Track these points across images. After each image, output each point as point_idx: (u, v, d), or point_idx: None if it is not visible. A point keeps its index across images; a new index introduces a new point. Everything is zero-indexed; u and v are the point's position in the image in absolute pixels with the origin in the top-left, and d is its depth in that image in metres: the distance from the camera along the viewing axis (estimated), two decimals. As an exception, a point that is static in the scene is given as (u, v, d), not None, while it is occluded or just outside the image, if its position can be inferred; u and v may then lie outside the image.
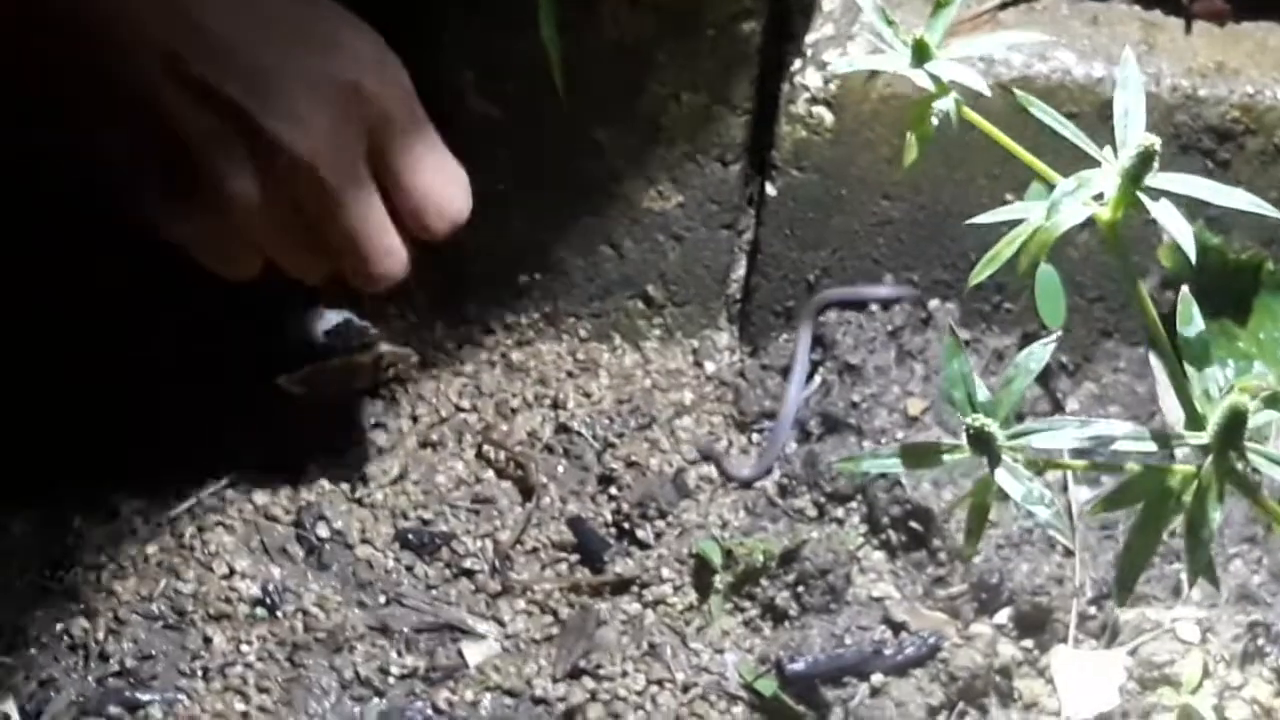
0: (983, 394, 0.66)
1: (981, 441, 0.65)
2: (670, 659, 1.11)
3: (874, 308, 1.22)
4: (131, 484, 1.15)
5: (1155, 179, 0.69)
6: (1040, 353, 0.67)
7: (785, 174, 1.20)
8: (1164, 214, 0.67)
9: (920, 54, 0.70)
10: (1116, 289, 1.22)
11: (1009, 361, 1.15)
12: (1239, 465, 0.67)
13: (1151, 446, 0.66)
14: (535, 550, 1.17)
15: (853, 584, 1.13)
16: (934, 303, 1.22)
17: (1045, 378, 1.21)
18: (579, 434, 1.21)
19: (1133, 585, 0.68)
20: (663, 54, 1.18)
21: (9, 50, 1.00)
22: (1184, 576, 1.07)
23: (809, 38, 1.19)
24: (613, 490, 1.18)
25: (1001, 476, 0.65)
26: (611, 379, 1.25)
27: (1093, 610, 1.10)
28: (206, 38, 1.00)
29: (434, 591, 1.14)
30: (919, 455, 0.68)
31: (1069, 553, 1.11)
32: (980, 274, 0.70)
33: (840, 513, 1.16)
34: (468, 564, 1.15)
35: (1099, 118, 1.14)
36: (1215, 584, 0.66)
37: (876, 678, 1.08)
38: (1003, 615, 1.10)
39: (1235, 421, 0.65)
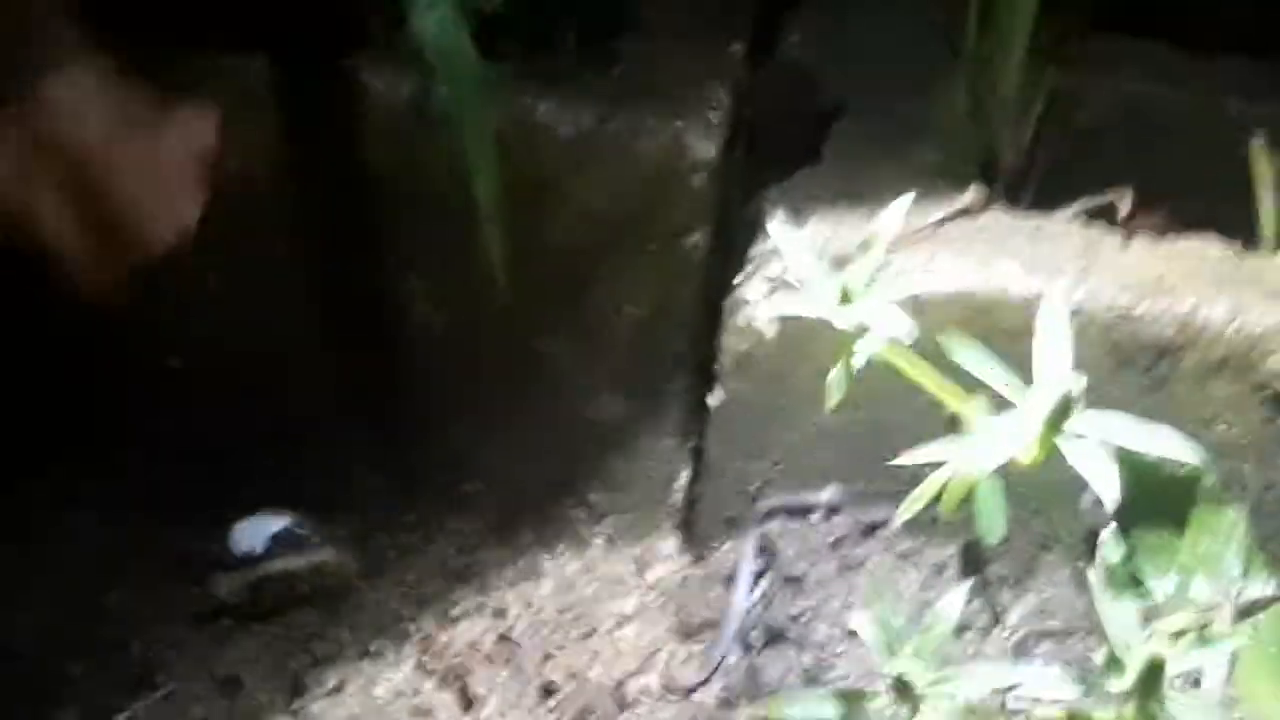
0: (907, 639, 0.66)
1: (902, 690, 0.65)
2: None
3: (815, 517, 1.22)
4: (66, 696, 1.14)
5: (1077, 420, 0.70)
6: (955, 600, 0.67)
7: (728, 384, 1.21)
8: (1083, 462, 0.67)
9: (845, 297, 0.71)
10: (1057, 501, 1.22)
11: (949, 573, 1.16)
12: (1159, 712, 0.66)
13: (1069, 694, 0.65)
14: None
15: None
16: (876, 511, 1.22)
17: (986, 590, 1.21)
18: (519, 644, 1.20)
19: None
20: (606, 266, 1.20)
21: None
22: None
23: (751, 251, 1.20)
24: (551, 702, 1.18)
25: (920, 725, 0.65)
26: (555, 586, 1.25)
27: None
28: None
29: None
30: (847, 701, 0.67)
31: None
32: (909, 510, 0.70)
33: (782, 727, 1.15)
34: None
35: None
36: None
37: None
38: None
39: (1154, 671, 0.65)
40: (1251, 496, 1.18)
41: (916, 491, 0.68)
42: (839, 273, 0.70)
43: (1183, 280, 1.19)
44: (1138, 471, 1.17)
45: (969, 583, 0.67)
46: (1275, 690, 1.12)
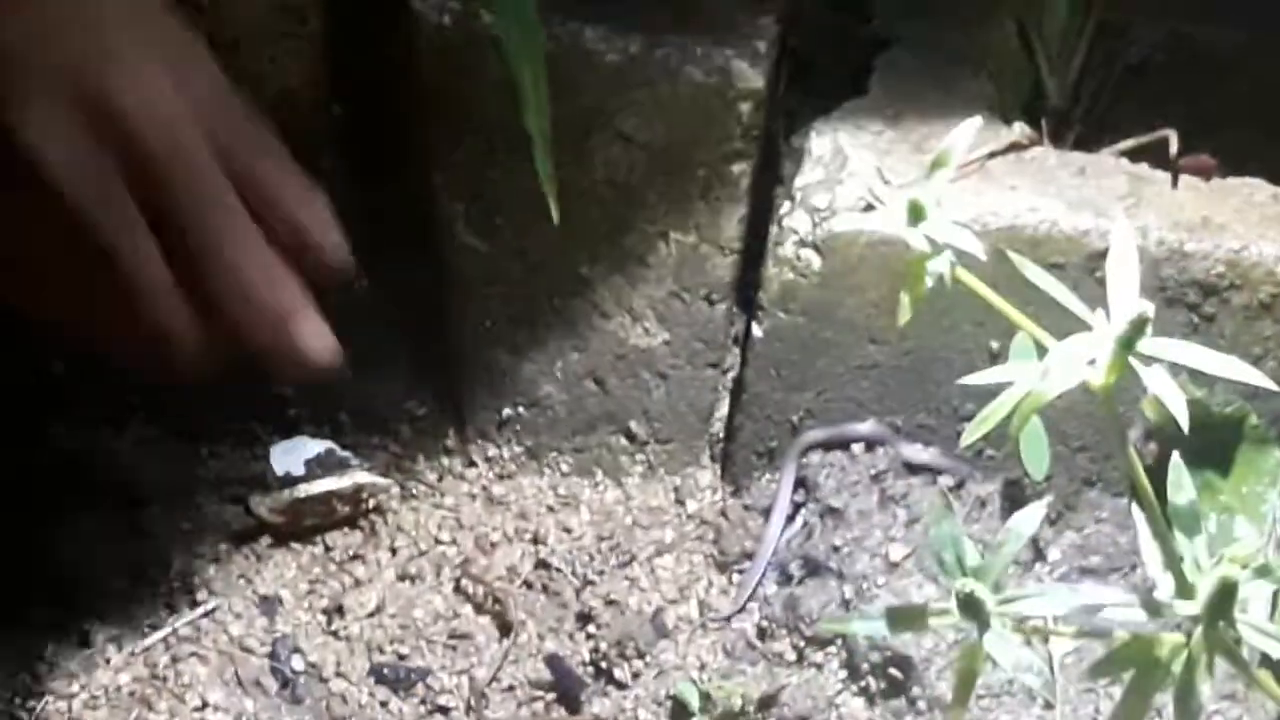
0: (972, 557, 0.66)
1: (971, 607, 0.64)
2: (644, 802, 1.10)
3: (856, 451, 1.21)
4: (105, 611, 1.14)
5: (1147, 344, 0.69)
6: (1032, 516, 0.67)
7: (771, 315, 1.20)
8: (1157, 382, 0.67)
9: (915, 215, 0.70)
10: (1100, 439, 1.22)
11: (991, 509, 1.15)
12: (1228, 637, 0.66)
13: (1140, 616, 0.65)
14: (512, 688, 1.16)
15: (833, 731, 1.12)
16: (917, 446, 1.22)
17: (1029, 525, 1.20)
18: (558, 570, 1.20)
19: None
20: (652, 193, 1.19)
21: None
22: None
23: (798, 181, 1.19)
24: (591, 628, 1.18)
25: (990, 642, 0.65)
26: (592, 515, 1.25)
27: (1077, 768, 1.09)
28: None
29: (408, 729, 1.13)
30: (906, 618, 0.67)
31: (1050, 705, 1.11)
32: (973, 435, 0.69)
33: (819, 658, 1.15)
34: (443, 700, 1.14)
35: (1085, 269, 1.15)
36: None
37: (851, 828, 1.07)
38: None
39: (1226, 594, 0.65)
40: (1296, 437, 1.17)
41: (984, 413, 0.67)
42: (909, 191, 0.69)
43: (1231, 218, 1.18)
44: (1187, 409, 1.17)
45: (1046, 500, 0.66)
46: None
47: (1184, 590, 0.67)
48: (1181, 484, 0.67)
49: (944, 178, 0.70)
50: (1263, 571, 0.65)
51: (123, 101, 0.88)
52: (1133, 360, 0.68)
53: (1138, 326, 0.68)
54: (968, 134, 0.72)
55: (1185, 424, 0.67)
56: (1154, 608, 0.64)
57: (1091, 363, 0.70)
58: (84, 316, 0.93)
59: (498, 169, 1.18)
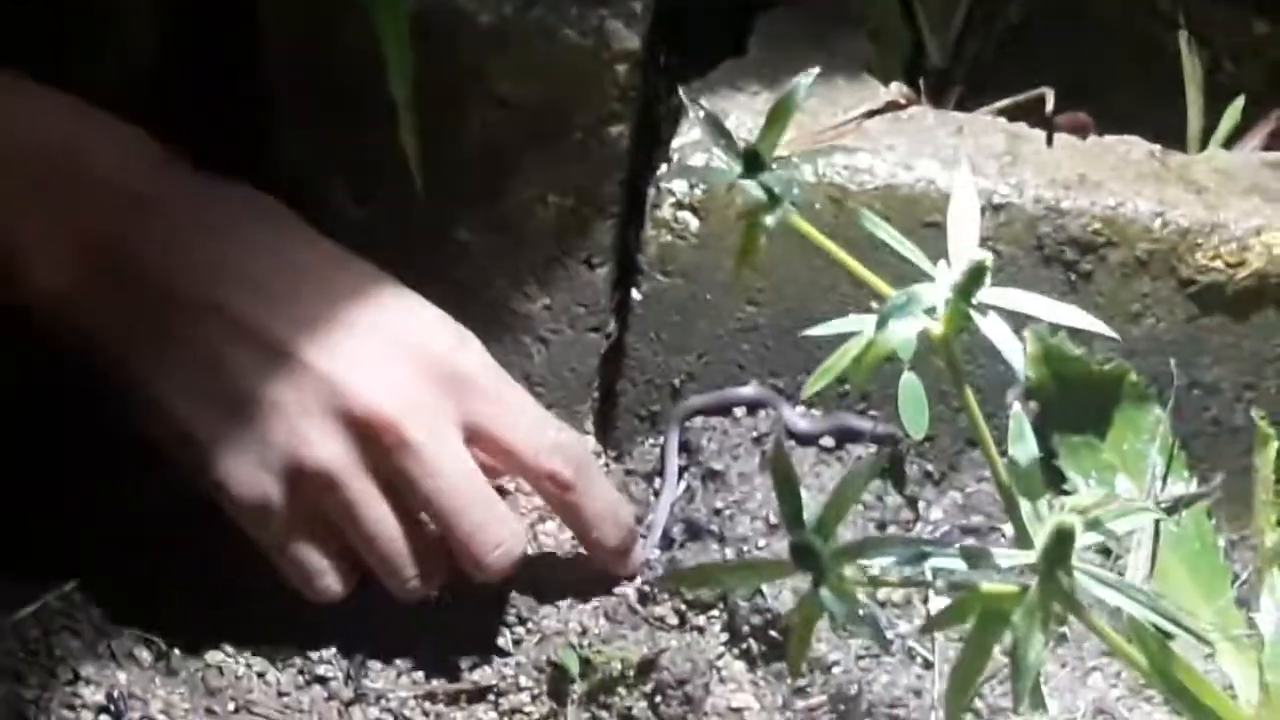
0: (810, 509, 0.65)
1: (806, 558, 0.64)
2: (519, 772, 1.09)
3: (739, 413, 1.21)
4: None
5: (987, 294, 0.69)
6: (871, 468, 0.66)
7: (650, 278, 1.20)
8: (993, 330, 0.66)
9: (752, 164, 0.69)
10: (982, 399, 1.22)
11: (886, 495, 1.15)
12: (1067, 585, 0.66)
13: (964, 566, 0.65)
14: (390, 657, 1.14)
15: (711, 694, 1.11)
16: (799, 409, 1.22)
17: (907, 485, 1.20)
18: (440, 538, 1.19)
19: (963, 703, 0.67)
20: (529, 156, 1.18)
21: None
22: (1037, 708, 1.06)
23: (675, 142, 1.18)
24: (469, 594, 1.16)
25: (825, 595, 0.64)
26: (480, 480, 1.23)
27: (951, 724, 1.09)
28: (276, 301, 1.03)
29: (285, 699, 1.12)
30: (747, 573, 0.67)
31: (929, 664, 1.10)
32: (814, 386, 0.69)
33: (701, 621, 1.15)
34: (321, 671, 1.13)
35: (963, 227, 1.15)
36: (1042, 705, 0.65)
37: (731, 790, 1.07)
38: (860, 729, 1.09)
39: (1062, 542, 0.65)
40: (1176, 395, 1.18)
41: (825, 365, 0.67)
42: (748, 142, 0.69)
43: (1109, 176, 1.18)
44: (1061, 371, 1.18)
45: (880, 448, 0.65)
46: (1194, 586, 1.12)
47: (1024, 541, 0.67)
48: (1023, 437, 0.66)
49: (781, 127, 0.70)
50: (1094, 524, 0.64)
51: (443, 347, 1.06)
52: (971, 311, 0.67)
53: (975, 275, 0.67)
54: (807, 81, 0.71)
55: (1022, 373, 0.67)
56: (983, 558, 0.64)
57: (933, 313, 0.69)
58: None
59: (370, 135, 1.17)
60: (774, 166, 0.70)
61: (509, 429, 1.07)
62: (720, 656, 1.13)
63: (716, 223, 1.18)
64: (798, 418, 1.21)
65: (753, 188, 0.69)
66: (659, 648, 1.11)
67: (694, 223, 1.18)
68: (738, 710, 1.11)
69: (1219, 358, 1.19)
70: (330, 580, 1.07)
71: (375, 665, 1.14)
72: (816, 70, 0.73)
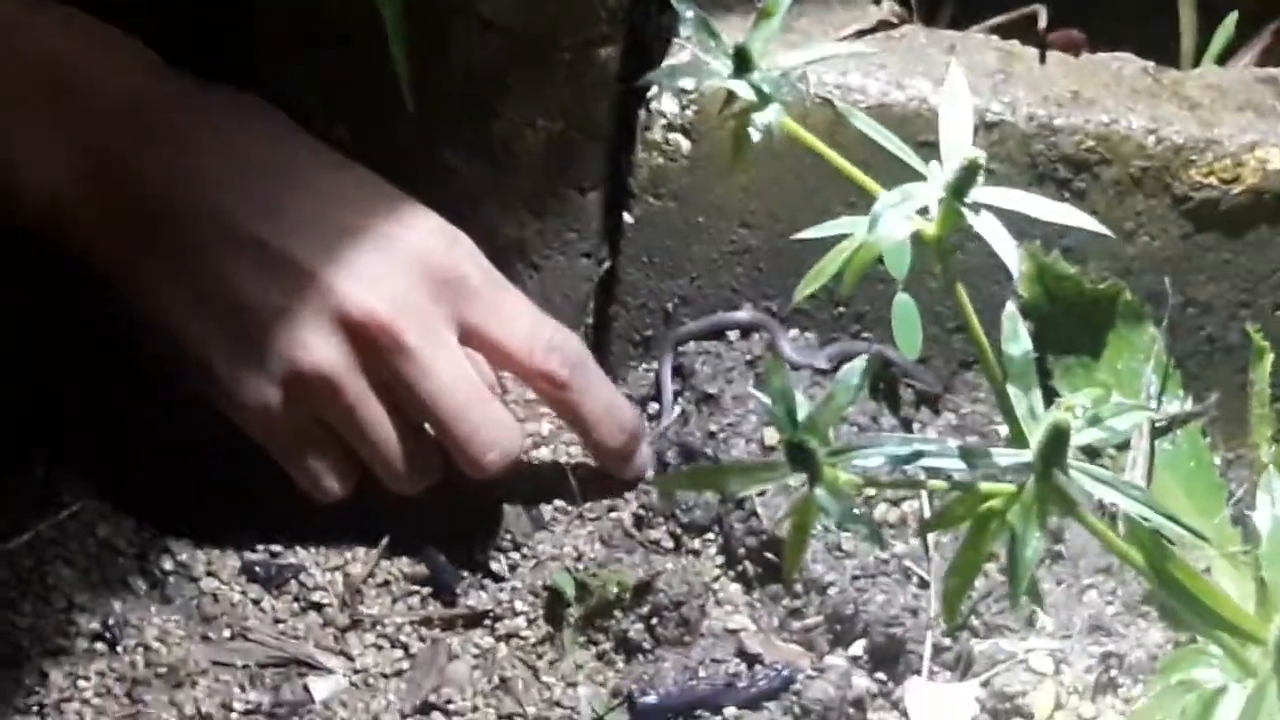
0: (803, 411, 0.65)
1: (801, 459, 0.63)
2: (522, 693, 1.09)
3: (732, 337, 1.20)
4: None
5: (980, 193, 0.68)
6: (859, 369, 0.66)
7: (642, 202, 1.19)
8: (987, 228, 0.66)
9: (741, 64, 0.69)
10: (980, 319, 1.21)
11: (864, 395, 1.15)
12: (1063, 484, 0.65)
13: (960, 466, 0.64)
14: (387, 583, 1.14)
15: (708, 616, 1.11)
16: (793, 332, 1.21)
17: (902, 408, 1.20)
18: (432, 464, 1.19)
19: (958, 605, 0.66)
20: (516, 79, 1.17)
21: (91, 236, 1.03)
22: (1035, 606, 1.06)
23: (666, 63, 1.17)
24: (468, 521, 1.16)
25: (820, 495, 0.64)
26: (468, 409, 1.23)
27: (947, 642, 1.09)
28: (273, 208, 1.02)
29: (281, 625, 1.11)
30: (740, 475, 0.66)
31: (925, 583, 1.10)
32: (804, 291, 0.68)
33: (696, 544, 1.14)
34: (316, 597, 1.12)
35: (956, 146, 1.14)
36: (1040, 603, 0.65)
37: (729, 711, 1.07)
38: (857, 647, 1.09)
39: (1057, 439, 0.64)
40: (1170, 313, 1.17)
41: (816, 268, 0.66)
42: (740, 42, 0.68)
43: (1102, 93, 1.18)
44: (1056, 290, 1.17)
45: (868, 352, 0.65)
46: (1190, 504, 1.12)
47: (1019, 440, 0.66)
48: (1017, 335, 0.66)
49: (770, 27, 0.69)
50: (1094, 419, 0.64)
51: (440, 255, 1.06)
52: (964, 211, 0.66)
53: (969, 173, 0.66)
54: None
55: (1016, 271, 0.66)
56: (979, 456, 0.63)
57: (925, 213, 0.69)
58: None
59: (354, 56, 1.16)
60: (764, 68, 0.69)
61: (504, 329, 1.08)
62: (716, 579, 1.13)
63: (708, 144, 1.17)
64: (790, 341, 1.20)
65: (743, 87, 0.68)
66: (654, 570, 1.11)
67: (685, 144, 1.17)
68: (734, 632, 1.11)
69: (1214, 275, 1.18)
70: (332, 481, 1.08)
71: (370, 592, 1.13)
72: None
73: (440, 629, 1.12)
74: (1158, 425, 1.17)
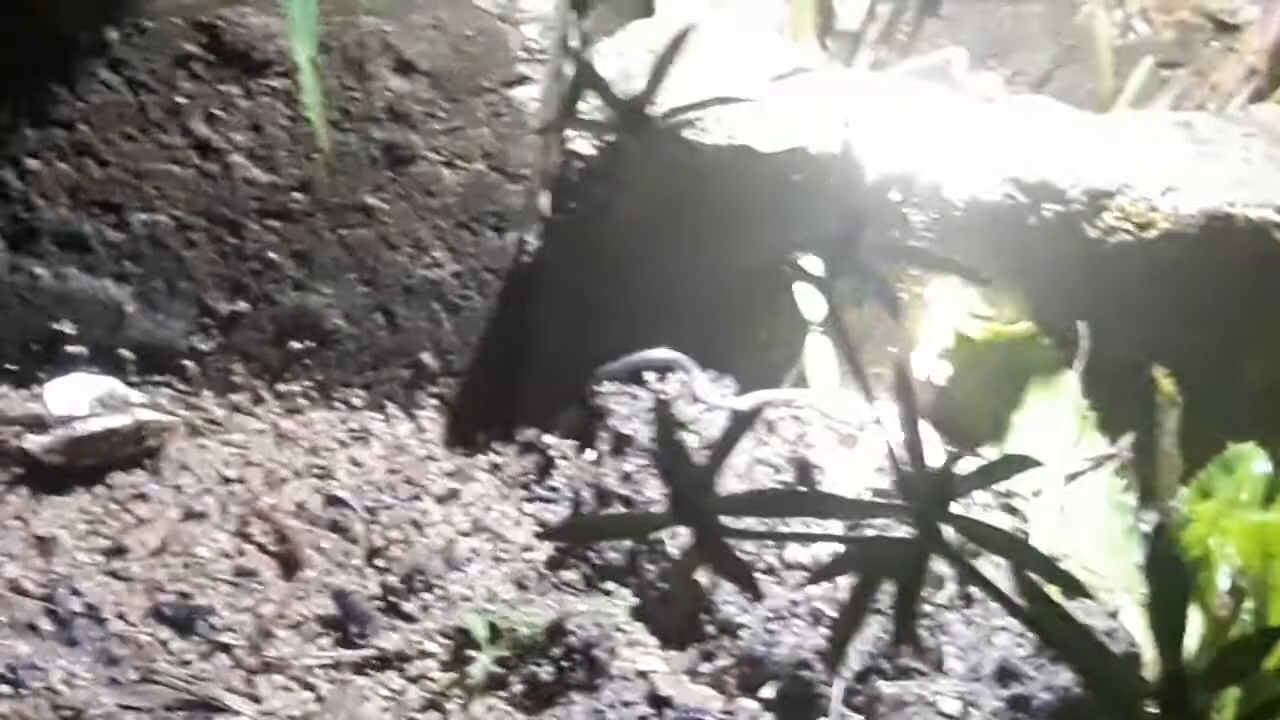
0: (695, 461, 0.64)
1: (685, 512, 0.63)
2: (430, 737, 1.08)
3: (649, 378, 1.20)
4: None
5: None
6: (749, 415, 0.66)
7: (561, 244, 1.19)
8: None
9: (630, 119, 0.68)
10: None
11: (775, 437, 1.15)
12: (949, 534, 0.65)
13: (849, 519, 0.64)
14: (298, 625, 1.13)
15: (619, 658, 1.11)
16: (710, 373, 1.21)
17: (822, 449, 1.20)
18: (348, 505, 1.18)
19: (842, 652, 0.66)
20: (436, 121, 1.17)
21: None
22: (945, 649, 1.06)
23: (584, 105, 1.17)
24: (380, 562, 1.16)
25: (704, 549, 0.63)
26: (385, 449, 1.23)
27: (858, 685, 1.08)
28: None
29: (189, 668, 1.11)
30: (630, 524, 0.66)
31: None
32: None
33: (610, 585, 1.14)
34: (226, 639, 1.12)
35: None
36: (920, 652, 0.64)
37: (635, 755, 1.06)
38: (768, 690, 1.09)
39: (942, 494, 0.64)
40: (1086, 356, 1.18)
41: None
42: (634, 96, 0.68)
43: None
44: (973, 333, 1.17)
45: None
46: (1104, 546, 1.12)
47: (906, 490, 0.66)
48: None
49: (661, 76, 0.69)
50: (983, 476, 0.64)
51: None
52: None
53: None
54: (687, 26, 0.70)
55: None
56: (873, 509, 0.63)
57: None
58: None
59: (274, 101, 1.16)
60: (663, 122, 0.69)
61: None
62: (629, 620, 1.12)
63: (624, 188, 1.17)
64: (707, 382, 1.20)
65: (630, 143, 0.68)
66: (566, 612, 1.11)
67: (603, 190, 1.17)
68: (645, 674, 1.10)
69: (1128, 318, 1.18)
70: None
71: (281, 633, 1.13)
72: (701, 24, 0.71)
73: (351, 671, 1.11)
74: (1073, 469, 1.17)
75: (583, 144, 1.17)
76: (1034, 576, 0.64)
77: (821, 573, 0.67)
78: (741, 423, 0.62)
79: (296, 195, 1.18)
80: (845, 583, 1.10)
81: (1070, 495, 1.17)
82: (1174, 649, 0.63)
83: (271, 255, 1.21)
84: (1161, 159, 1.18)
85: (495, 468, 1.23)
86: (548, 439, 1.22)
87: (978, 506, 1.18)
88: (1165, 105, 1.23)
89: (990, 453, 1.19)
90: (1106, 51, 1.23)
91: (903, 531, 0.67)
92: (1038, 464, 0.74)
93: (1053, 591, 0.67)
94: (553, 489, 1.20)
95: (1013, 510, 1.17)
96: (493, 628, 1.11)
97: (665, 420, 0.66)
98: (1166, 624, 0.63)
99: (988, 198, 1.16)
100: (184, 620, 1.12)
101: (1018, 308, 1.19)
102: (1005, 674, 1.08)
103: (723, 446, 0.66)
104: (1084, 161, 1.16)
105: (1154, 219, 1.16)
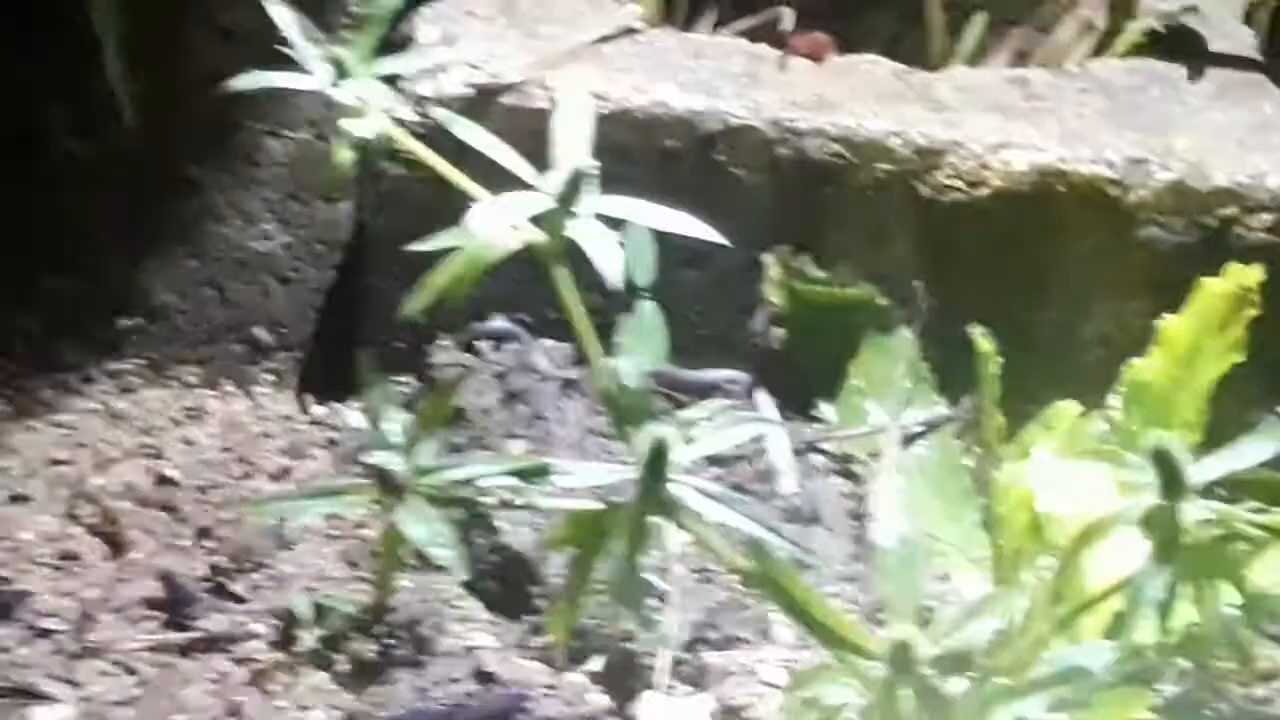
0: (395, 434, 0.63)
1: (385, 481, 0.61)
2: None
3: (484, 348, 1.18)
4: None
5: (595, 202, 0.66)
6: (450, 385, 0.64)
7: (387, 211, 1.17)
8: (586, 236, 0.64)
9: (340, 71, 0.66)
10: (729, 322, 1.20)
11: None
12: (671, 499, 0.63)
13: (575, 482, 0.62)
14: (122, 608, 1.11)
15: (446, 634, 1.09)
16: (548, 342, 1.19)
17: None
18: (178, 485, 1.16)
19: (568, 628, 0.64)
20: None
21: None
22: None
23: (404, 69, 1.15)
24: (209, 543, 1.14)
25: (404, 517, 0.62)
26: (219, 426, 1.21)
27: (685, 655, 1.07)
28: None
29: (7, 654, 1.08)
30: (326, 499, 0.64)
31: (662, 597, 1.08)
32: (416, 304, 0.66)
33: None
34: (47, 624, 1.09)
35: (700, 152, 1.13)
36: (646, 626, 0.62)
37: (461, 732, 1.04)
38: (595, 663, 1.07)
39: (659, 456, 0.62)
40: (923, 317, 1.16)
41: (427, 279, 0.64)
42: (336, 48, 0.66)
43: (848, 96, 1.16)
44: (804, 295, 1.15)
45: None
46: (941, 508, 1.11)
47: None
48: (633, 349, 0.64)
49: (374, 34, 0.67)
50: (691, 440, 0.62)
51: None
52: (569, 221, 0.64)
53: (576, 182, 0.64)
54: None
55: (618, 282, 0.64)
56: (574, 474, 0.61)
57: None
58: None
59: (96, 72, 1.13)
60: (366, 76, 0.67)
61: None
62: (457, 596, 1.11)
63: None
64: (544, 351, 1.18)
65: (341, 95, 0.66)
66: (394, 589, 1.09)
67: (429, 154, 1.15)
68: (473, 649, 1.08)
69: (964, 277, 1.17)
70: None
71: (105, 617, 1.10)
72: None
73: (176, 654, 1.09)
74: (910, 430, 1.15)
75: (406, 110, 1.14)
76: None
77: (551, 540, 0.65)
78: (438, 395, 0.60)
79: (118, 168, 1.16)
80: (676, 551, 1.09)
81: (909, 457, 1.15)
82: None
83: (99, 231, 1.18)
84: (993, 116, 1.16)
85: (331, 443, 1.21)
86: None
87: (817, 471, 1.16)
88: (1001, 62, 1.21)
89: (828, 413, 1.17)
90: (937, 8, 1.21)
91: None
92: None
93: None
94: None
95: (851, 475, 1.15)
96: (318, 607, 1.09)
97: (375, 384, 0.64)
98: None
99: (815, 157, 1.14)
100: (3, 606, 1.10)
101: (852, 269, 1.17)
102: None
103: (423, 412, 0.64)
104: (914, 120, 1.15)
105: (986, 177, 1.14)
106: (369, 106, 0.65)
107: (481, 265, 0.64)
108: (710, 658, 1.05)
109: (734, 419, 0.64)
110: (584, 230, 0.64)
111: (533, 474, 0.61)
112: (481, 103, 1.10)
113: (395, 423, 0.62)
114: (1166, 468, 0.61)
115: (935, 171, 1.14)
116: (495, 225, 0.62)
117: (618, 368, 0.63)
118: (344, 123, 0.65)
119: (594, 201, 0.65)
